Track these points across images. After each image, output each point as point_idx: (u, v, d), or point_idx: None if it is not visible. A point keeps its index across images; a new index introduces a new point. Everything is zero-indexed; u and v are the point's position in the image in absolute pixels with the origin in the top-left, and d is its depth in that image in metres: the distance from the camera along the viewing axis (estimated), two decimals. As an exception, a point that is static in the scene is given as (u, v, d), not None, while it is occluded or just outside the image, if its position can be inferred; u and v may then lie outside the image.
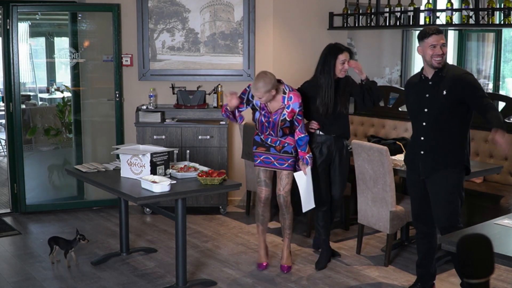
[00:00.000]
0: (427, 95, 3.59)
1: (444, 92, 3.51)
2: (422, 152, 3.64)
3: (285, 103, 4.11)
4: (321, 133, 4.37)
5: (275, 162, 4.24)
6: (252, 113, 4.26)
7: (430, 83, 3.60)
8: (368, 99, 4.32)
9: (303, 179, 4.22)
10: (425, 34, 3.53)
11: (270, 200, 4.38)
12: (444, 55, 3.55)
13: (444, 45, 3.55)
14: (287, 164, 4.23)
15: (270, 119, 4.15)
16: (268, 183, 4.31)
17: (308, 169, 4.19)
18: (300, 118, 4.14)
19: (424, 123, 3.61)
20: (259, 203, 4.34)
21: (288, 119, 4.12)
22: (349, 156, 4.52)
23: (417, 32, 8.04)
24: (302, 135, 4.16)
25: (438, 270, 4.22)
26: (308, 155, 4.18)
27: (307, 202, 4.29)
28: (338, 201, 4.57)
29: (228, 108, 4.17)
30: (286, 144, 4.21)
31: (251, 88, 4.10)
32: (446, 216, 3.58)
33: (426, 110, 3.59)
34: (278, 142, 4.23)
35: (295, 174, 4.23)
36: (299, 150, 4.20)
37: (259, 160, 4.28)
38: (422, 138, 3.64)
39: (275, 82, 4.04)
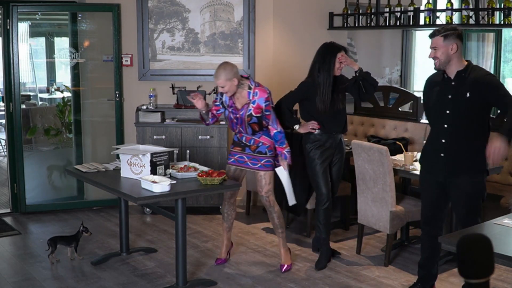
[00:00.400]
0: (449, 96, 3.50)
1: (468, 94, 3.43)
2: (442, 155, 3.56)
3: (251, 98, 4.14)
4: (321, 131, 4.39)
5: (248, 162, 4.29)
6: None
7: (453, 83, 3.50)
8: (363, 93, 4.35)
9: (284, 174, 4.26)
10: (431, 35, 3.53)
11: (235, 199, 4.48)
12: (436, 58, 3.48)
13: (435, 48, 3.48)
14: (260, 164, 4.26)
15: (238, 115, 4.19)
16: None
17: (286, 165, 4.24)
18: (268, 113, 4.16)
19: (445, 125, 3.52)
20: (224, 201, 4.45)
21: (255, 115, 4.14)
22: (344, 151, 4.59)
23: (418, 32, 8.06)
24: (276, 131, 4.18)
25: (439, 270, 4.22)
26: (286, 149, 4.19)
27: (292, 197, 4.36)
28: (334, 198, 4.61)
29: (200, 111, 4.28)
30: (260, 144, 4.24)
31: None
32: (467, 221, 3.53)
33: (448, 112, 3.50)
34: (252, 141, 4.26)
35: (277, 169, 4.27)
36: (276, 146, 4.22)
37: (232, 159, 4.34)
38: (443, 141, 3.54)
39: (237, 72, 4.10)
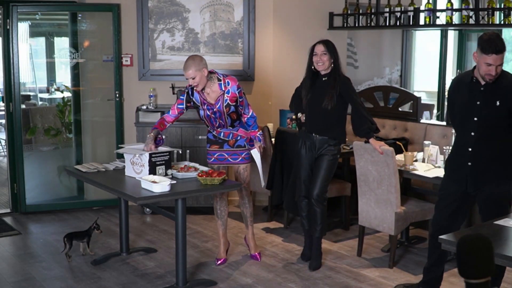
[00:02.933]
0: (478, 103, 3.33)
1: (498, 103, 3.28)
2: (469, 164, 3.42)
3: (223, 88, 4.20)
4: (303, 129, 4.44)
5: (229, 158, 4.37)
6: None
7: (482, 89, 3.33)
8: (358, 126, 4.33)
9: (258, 156, 4.40)
10: (486, 50, 3.20)
11: (227, 195, 4.55)
12: (497, 74, 3.26)
13: (501, 65, 3.24)
14: (240, 158, 4.36)
15: (215, 109, 4.22)
16: None
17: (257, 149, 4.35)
18: (242, 99, 4.24)
19: (472, 133, 3.37)
20: (215, 198, 4.49)
21: (232, 104, 4.20)
22: (334, 163, 4.37)
23: (418, 32, 8.05)
24: (248, 116, 4.30)
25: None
26: (259, 132, 4.35)
27: (264, 178, 4.58)
28: (316, 199, 4.37)
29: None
30: (239, 137, 4.33)
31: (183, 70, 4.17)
32: None
33: (476, 119, 3.34)
34: (230, 136, 4.33)
35: (252, 151, 4.39)
36: (250, 131, 4.34)
37: (213, 158, 4.40)
38: (470, 149, 3.40)
39: (205, 63, 4.15)
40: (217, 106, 4.20)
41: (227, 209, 4.55)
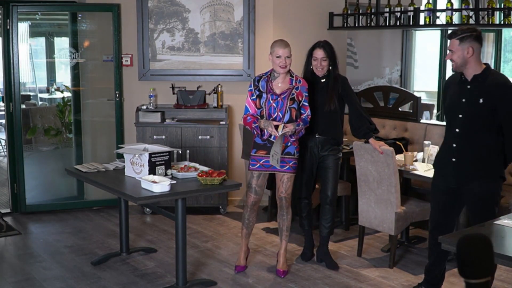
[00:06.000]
0: (463, 100, 3.41)
1: (481, 100, 3.33)
2: (453, 160, 3.48)
3: (293, 84, 4.15)
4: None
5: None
6: (257, 101, 4.14)
7: (469, 87, 3.40)
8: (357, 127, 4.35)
9: (281, 133, 4.00)
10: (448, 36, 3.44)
11: (258, 206, 4.35)
12: (453, 61, 3.38)
13: (452, 51, 3.38)
14: (288, 166, 4.16)
15: (279, 98, 4.11)
16: (258, 191, 4.24)
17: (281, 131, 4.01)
18: (306, 104, 4.15)
19: (457, 130, 3.45)
20: (246, 208, 4.30)
21: (296, 100, 4.11)
22: (338, 164, 4.41)
23: (418, 32, 8.05)
24: (305, 114, 4.14)
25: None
26: (302, 127, 4.10)
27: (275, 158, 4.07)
28: (330, 201, 4.41)
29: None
30: (289, 144, 4.13)
31: (274, 49, 4.12)
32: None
33: (460, 116, 3.42)
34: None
35: (282, 126, 4.01)
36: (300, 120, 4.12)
37: (258, 165, 4.18)
38: (454, 145, 3.47)
39: None
40: (282, 97, 4.10)
41: (255, 220, 4.37)
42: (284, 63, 4.08)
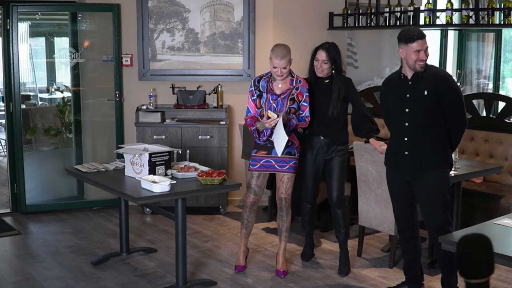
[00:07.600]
0: (407, 95, 3.55)
1: (425, 92, 3.48)
2: (406, 153, 3.59)
3: (294, 84, 4.15)
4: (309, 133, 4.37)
5: (275, 165, 4.17)
6: (257, 102, 4.15)
7: (410, 83, 3.55)
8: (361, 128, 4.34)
9: (280, 124, 3.97)
10: (410, 39, 3.48)
11: (257, 206, 4.34)
12: (427, 57, 3.51)
13: (427, 48, 3.50)
14: (288, 166, 4.16)
15: (279, 99, 4.11)
16: (257, 191, 4.23)
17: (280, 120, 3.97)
18: (306, 105, 4.14)
19: (406, 124, 3.56)
20: (245, 208, 4.29)
21: (296, 100, 4.12)
22: (345, 163, 4.40)
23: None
24: (304, 114, 4.14)
25: (434, 271, 4.23)
26: (297, 123, 4.12)
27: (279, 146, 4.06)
28: (336, 202, 4.37)
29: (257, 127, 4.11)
30: (290, 143, 4.10)
31: (271, 55, 4.10)
32: (439, 216, 3.57)
33: (407, 110, 3.55)
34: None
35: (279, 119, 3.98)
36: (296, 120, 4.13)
37: (258, 165, 4.18)
38: (405, 139, 3.58)
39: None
40: (282, 96, 4.10)
41: (254, 220, 4.36)
42: (280, 73, 4.10)
